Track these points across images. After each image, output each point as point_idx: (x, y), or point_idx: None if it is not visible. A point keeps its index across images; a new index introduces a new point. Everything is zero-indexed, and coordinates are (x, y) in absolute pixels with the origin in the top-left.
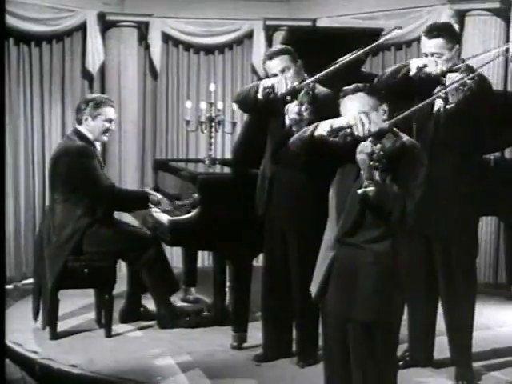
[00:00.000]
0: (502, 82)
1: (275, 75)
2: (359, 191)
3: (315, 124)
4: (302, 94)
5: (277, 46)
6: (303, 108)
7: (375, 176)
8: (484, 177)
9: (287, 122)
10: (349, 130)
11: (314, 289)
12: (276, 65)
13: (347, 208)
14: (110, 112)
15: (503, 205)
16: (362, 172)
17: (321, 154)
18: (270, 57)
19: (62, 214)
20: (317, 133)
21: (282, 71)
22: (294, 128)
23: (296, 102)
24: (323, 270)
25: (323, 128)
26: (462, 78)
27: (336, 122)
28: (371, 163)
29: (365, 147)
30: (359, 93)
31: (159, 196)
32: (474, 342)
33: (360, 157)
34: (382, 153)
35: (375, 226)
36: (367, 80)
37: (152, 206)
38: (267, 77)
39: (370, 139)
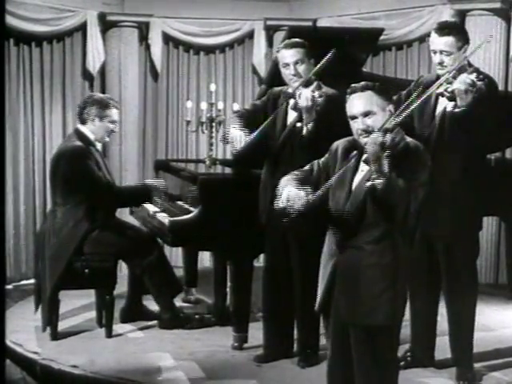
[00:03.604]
0: (502, 82)
1: (287, 65)
2: (368, 183)
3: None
4: (313, 86)
5: (294, 39)
6: (316, 94)
7: (385, 168)
8: (485, 177)
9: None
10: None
11: (317, 301)
12: (291, 55)
13: (346, 210)
14: (115, 114)
15: (504, 205)
16: (371, 164)
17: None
18: (287, 46)
19: (63, 218)
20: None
21: (296, 63)
22: (305, 116)
23: (308, 88)
24: (326, 278)
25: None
26: (473, 81)
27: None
28: (383, 153)
29: (376, 138)
30: (368, 91)
31: (161, 187)
32: (475, 343)
33: (371, 148)
34: (392, 145)
35: (375, 227)
36: (367, 80)
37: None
38: (276, 67)
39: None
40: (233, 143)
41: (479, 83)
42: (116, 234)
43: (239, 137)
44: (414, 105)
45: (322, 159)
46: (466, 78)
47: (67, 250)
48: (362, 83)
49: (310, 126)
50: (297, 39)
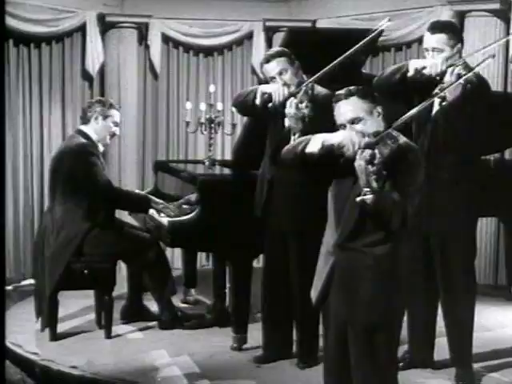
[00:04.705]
0: (502, 83)
1: (273, 78)
2: (357, 199)
3: (307, 138)
4: (301, 93)
5: (273, 49)
6: (303, 105)
7: (373, 183)
8: (484, 178)
9: (286, 122)
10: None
11: (314, 294)
12: (273, 67)
13: (346, 213)
14: (117, 115)
15: (503, 206)
16: (359, 179)
17: (312, 169)
18: (267, 60)
19: (63, 217)
20: (308, 150)
21: (280, 74)
22: (291, 125)
23: (294, 99)
24: (324, 275)
25: (314, 145)
26: (459, 73)
27: (327, 140)
28: (369, 171)
29: (362, 154)
30: (352, 97)
31: (161, 203)
32: (473, 343)
33: (358, 163)
34: (379, 160)
35: (375, 231)
36: (367, 81)
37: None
38: (266, 80)
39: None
40: (268, 97)
41: (469, 74)
42: (116, 233)
43: (280, 87)
44: (411, 113)
45: None
46: (454, 71)
47: (67, 249)
48: (345, 90)
49: (296, 136)
50: (275, 49)
